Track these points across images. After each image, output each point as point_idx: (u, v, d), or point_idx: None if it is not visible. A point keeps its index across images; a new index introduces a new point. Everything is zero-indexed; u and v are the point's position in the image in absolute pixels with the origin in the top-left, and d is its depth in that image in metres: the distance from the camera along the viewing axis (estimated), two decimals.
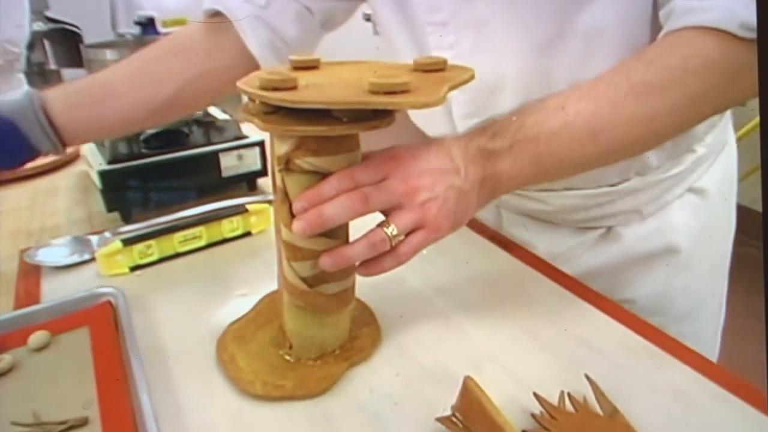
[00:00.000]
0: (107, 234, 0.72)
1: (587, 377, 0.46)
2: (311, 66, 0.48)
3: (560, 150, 0.46)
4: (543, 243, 0.70)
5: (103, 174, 0.75)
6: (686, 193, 0.66)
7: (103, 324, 0.55)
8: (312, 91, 0.40)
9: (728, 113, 0.67)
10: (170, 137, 0.85)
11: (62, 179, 0.97)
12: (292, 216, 0.42)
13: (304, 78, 0.43)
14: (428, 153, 0.45)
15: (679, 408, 0.45)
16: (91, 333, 0.54)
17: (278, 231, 0.46)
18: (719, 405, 0.45)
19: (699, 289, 0.68)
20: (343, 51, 0.58)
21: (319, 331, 0.49)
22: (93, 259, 0.68)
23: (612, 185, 0.63)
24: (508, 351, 0.51)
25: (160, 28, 2.59)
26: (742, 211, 0.74)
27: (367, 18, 3.26)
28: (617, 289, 0.66)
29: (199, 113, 0.90)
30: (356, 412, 0.46)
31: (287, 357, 0.50)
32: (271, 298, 0.58)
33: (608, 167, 0.54)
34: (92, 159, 0.80)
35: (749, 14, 0.42)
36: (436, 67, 0.45)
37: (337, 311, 0.48)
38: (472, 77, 0.45)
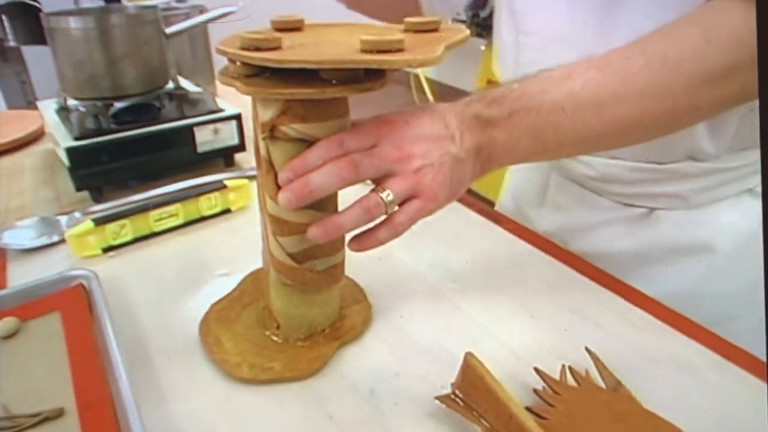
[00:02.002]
0: (77, 214, 0.68)
1: (588, 350, 0.45)
2: (295, 27, 0.44)
3: (561, 123, 0.43)
4: (583, 211, 0.68)
5: (70, 151, 0.70)
6: (743, 194, 0.61)
7: (76, 308, 0.52)
8: (298, 50, 0.37)
9: None
10: (141, 111, 0.81)
11: (27, 158, 0.92)
12: (278, 187, 0.40)
13: (288, 39, 0.39)
14: (422, 119, 0.42)
15: (682, 379, 0.44)
16: (63, 318, 0.51)
17: (263, 205, 0.43)
18: (721, 374, 0.44)
19: (735, 300, 0.61)
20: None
21: (308, 309, 0.47)
22: (62, 241, 0.64)
23: (659, 163, 0.59)
24: (506, 326, 0.50)
25: (126, 2, 2.49)
26: None
27: None
28: (643, 281, 0.59)
29: (170, 86, 0.85)
30: (349, 392, 0.44)
31: (274, 338, 0.48)
32: (255, 277, 0.56)
33: (656, 142, 0.48)
34: (58, 135, 0.75)
35: None
36: (430, 27, 0.42)
37: (326, 288, 0.46)
38: (467, 37, 0.42)
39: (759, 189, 0.59)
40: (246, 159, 0.87)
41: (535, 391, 0.41)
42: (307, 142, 0.40)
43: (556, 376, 0.43)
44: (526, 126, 0.43)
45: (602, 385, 0.42)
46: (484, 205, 0.71)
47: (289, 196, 0.38)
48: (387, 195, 0.39)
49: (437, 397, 0.40)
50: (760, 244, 0.62)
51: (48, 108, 0.86)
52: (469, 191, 0.50)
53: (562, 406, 0.40)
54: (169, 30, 0.82)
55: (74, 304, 0.52)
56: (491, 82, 2.11)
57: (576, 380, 0.42)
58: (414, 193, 0.41)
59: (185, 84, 0.92)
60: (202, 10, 1.12)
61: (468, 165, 0.44)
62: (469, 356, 0.39)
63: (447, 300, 0.54)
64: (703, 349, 0.46)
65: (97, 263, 0.61)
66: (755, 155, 0.57)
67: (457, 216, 0.69)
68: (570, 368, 0.43)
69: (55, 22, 0.74)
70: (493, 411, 0.37)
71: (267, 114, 0.39)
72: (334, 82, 0.37)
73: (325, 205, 0.42)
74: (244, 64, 0.38)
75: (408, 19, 0.42)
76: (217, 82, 1.18)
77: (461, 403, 0.40)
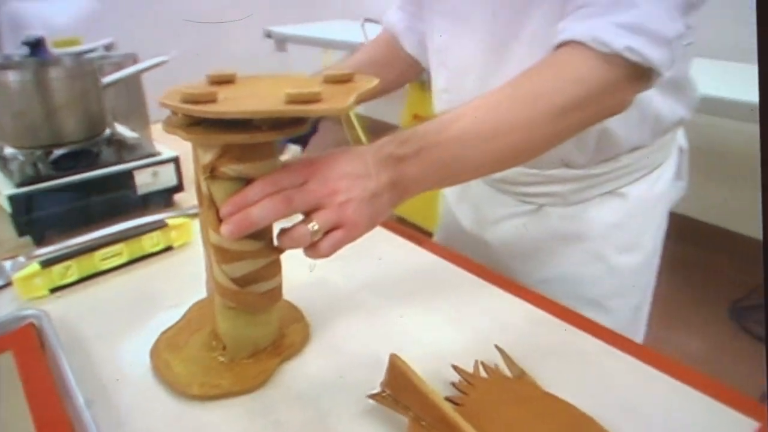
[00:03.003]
0: (21, 258, 0.70)
1: (497, 347, 0.52)
2: (227, 80, 0.50)
3: (459, 155, 0.52)
4: (492, 205, 0.82)
5: (12, 198, 0.73)
6: (608, 194, 0.74)
7: (28, 347, 0.55)
8: (232, 103, 0.43)
9: (676, 140, 0.78)
10: (80, 157, 0.84)
11: None
12: (220, 221, 0.45)
13: (222, 92, 0.46)
14: (344, 159, 0.49)
15: (575, 365, 0.52)
16: (16, 357, 0.54)
17: (206, 238, 0.49)
18: (606, 358, 0.53)
19: (613, 282, 0.76)
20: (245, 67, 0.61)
21: (251, 330, 0.52)
22: (8, 285, 0.66)
23: (541, 169, 0.73)
24: (427, 332, 0.57)
25: (52, 49, 2.49)
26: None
27: (268, 35, 3.27)
28: (539, 266, 0.76)
29: (107, 132, 0.89)
30: (294, 400, 0.49)
31: (221, 358, 0.53)
32: (200, 306, 0.60)
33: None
34: None
35: (604, 33, 0.50)
36: (344, 79, 0.49)
37: (267, 309, 0.51)
38: (376, 86, 0.49)
39: (621, 190, 0.74)
40: (185, 199, 0.91)
41: (453, 384, 0.48)
42: (243, 180, 0.46)
43: (471, 371, 0.50)
44: (431, 160, 0.50)
45: (509, 374, 0.49)
46: (409, 230, 0.79)
47: (231, 228, 0.44)
48: (313, 226, 0.46)
49: (370, 396, 0.47)
50: (622, 234, 0.75)
51: None
52: (403, 221, 0.57)
53: (475, 394, 0.47)
54: (106, 80, 0.86)
55: (26, 343, 0.55)
56: (417, 117, 2.24)
57: (487, 372, 0.49)
58: (338, 223, 0.48)
59: (121, 129, 0.96)
60: (135, 59, 1.15)
61: (385, 197, 0.51)
62: (393, 357, 0.46)
63: (376, 314, 0.60)
64: (592, 339, 0.55)
65: (45, 304, 0.63)
66: (615, 164, 0.72)
67: (381, 238, 0.76)
68: (482, 363, 0.50)
69: None
70: (417, 402, 0.44)
71: (207, 157, 0.45)
72: (264, 128, 0.44)
73: (262, 234, 0.48)
74: (185, 115, 0.44)
75: (326, 72, 0.49)
76: (152, 126, 1.22)
77: (390, 398, 0.46)
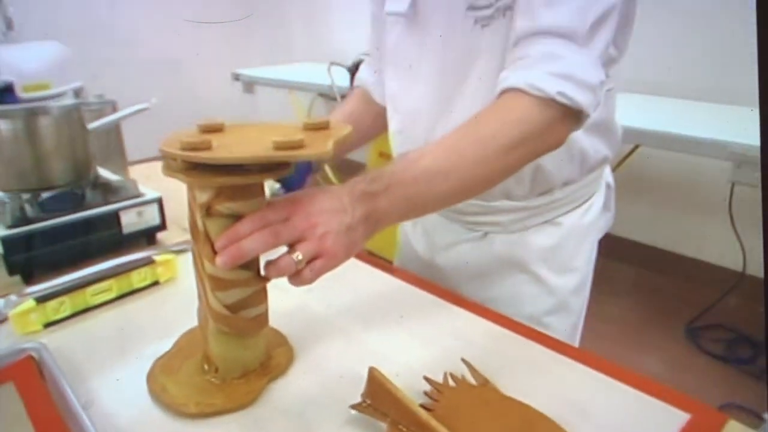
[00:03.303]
0: (13, 297, 0.74)
1: (463, 360, 0.58)
2: (217, 129, 0.57)
3: (423, 190, 0.60)
4: (442, 232, 0.90)
5: (5, 240, 0.77)
6: (545, 223, 0.83)
7: (29, 377, 0.59)
8: (226, 149, 0.50)
9: (604, 176, 0.88)
10: (66, 199, 0.89)
11: None
12: (215, 253, 0.51)
13: (215, 139, 0.52)
14: (323, 196, 0.56)
15: (531, 373, 0.59)
16: (18, 387, 0.58)
17: (200, 269, 0.54)
18: (558, 366, 0.60)
19: (551, 301, 0.85)
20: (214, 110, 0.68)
21: (241, 352, 0.57)
22: (2, 321, 0.70)
23: (484, 200, 0.81)
24: (400, 350, 0.63)
25: (21, 94, 2.53)
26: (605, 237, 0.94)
27: (236, 77, 3.36)
28: (486, 286, 0.84)
29: (92, 175, 0.94)
30: (281, 415, 0.54)
31: (214, 380, 0.58)
32: (189, 335, 0.65)
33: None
34: None
35: (540, 81, 0.59)
36: (322, 126, 0.56)
37: (255, 333, 0.57)
38: (350, 132, 0.56)
39: (556, 220, 0.83)
40: (167, 237, 0.96)
41: (425, 392, 0.54)
42: (234, 217, 0.52)
43: (441, 381, 0.56)
44: (399, 195, 0.58)
45: (474, 383, 0.56)
46: (380, 260, 0.85)
47: (226, 259, 0.50)
48: (297, 256, 0.52)
49: (351, 406, 0.52)
50: (557, 258, 0.86)
51: None
52: (371, 253, 0.64)
53: (445, 400, 0.53)
54: (91, 126, 0.92)
55: (26, 374, 0.59)
56: (382, 155, 2.33)
57: (454, 381, 0.56)
58: (319, 254, 0.54)
59: (102, 172, 1.00)
60: (114, 106, 1.21)
61: (360, 230, 0.57)
62: (372, 370, 0.52)
63: (353, 336, 0.66)
64: (543, 348, 0.62)
65: (39, 338, 0.67)
66: (550, 198, 0.81)
67: (359, 271, 0.82)
68: (450, 374, 0.56)
69: None
70: (394, 409, 0.50)
71: (203, 197, 0.51)
72: (254, 171, 0.50)
73: (250, 265, 0.54)
74: (183, 160, 0.50)
75: (306, 121, 0.56)
76: (129, 168, 1.27)
77: (370, 407, 0.51)
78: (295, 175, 0.76)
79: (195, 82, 4.13)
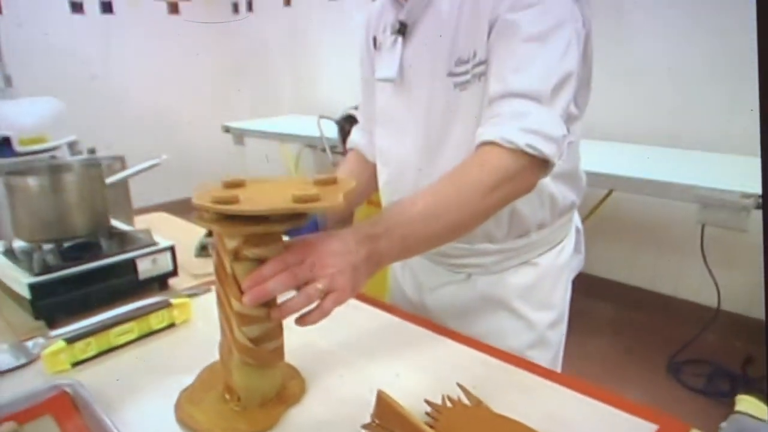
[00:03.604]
0: (40, 339, 0.80)
1: (458, 384, 0.66)
2: (239, 184, 0.65)
3: (417, 230, 0.69)
4: (429, 275, 0.99)
5: (32, 286, 0.83)
6: (523, 264, 0.92)
7: (65, 410, 0.65)
8: (251, 202, 0.58)
9: (570, 225, 0.97)
10: (84, 248, 0.96)
11: None
12: (241, 292, 0.59)
13: (241, 194, 0.60)
14: (332, 240, 0.64)
15: (519, 394, 0.66)
16: (57, 419, 0.64)
17: (226, 306, 0.62)
18: (543, 390, 0.67)
19: (531, 335, 0.93)
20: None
21: (262, 382, 0.64)
22: (30, 362, 0.76)
23: (468, 243, 0.90)
24: (401, 377, 0.70)
25: (17, 147, 2.65)
26: (580, 277, 1.02)
27: (226, 130, 3.47)
28: (470, 323, 0.91)
29: (108, 225, 1.01)
30: None
31: (236, 408, 0.64)
32: (210, 369, 0.72)
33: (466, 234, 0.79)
34: (11, 273, 0.88)
35: (511, 135, 0.69)
36: (331, 181, 0.65)
37: (275, 364, 0.64)
38: (355, 186, 0.65)
39: (533, 260, 0.92)
40: (177, 282, 1.03)
41: (426, 413, 0.61)
42: (257, 260, 0.60)
43: (440, 403, 0.63)
44: (398, 236, 0.66)
45: (469, 404, 0.63)
46: (377, 300, 0.93)
47: (252, 298, 0.57)
48: (316, 286, 0.59)
49: (363, 426, 0.59)
50: (535, 294, 0.97)
51: None
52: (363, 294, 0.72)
53: (444, 420, 0.60)
54: (108, 180, 1.00)
55: (64, 407, 0.66)
56: (371, 202, 2.43)
57: (452, 403, 0.63)
58: (330, 289, 0.62)
59: (116, 223, 1.08)
60: (123, 161, 1.29)
61: (363, 268, 0.65)
62: (380, 392, 0.59)
63: (358, 367, 0.73)
64: (530, 375, 0.70)
65: (68, 376, 0.73)
66: (527, 240, 0.90)
67: (357, 310, 0.90)
68: (447, 396, 0.64)
69: (14, 180, 0.89)
70: (401, 426, 0.57)
71: (232, 244, 0.59)
72: (276, 220, 0.58)
73: (270, 303, 0.61)
74: (215, 212, 0.58)
75: (316, 177, 0.65)
76: (135, 218, 1.34)
77: (380, 427, 0.58)
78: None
79: (186, 135, 4.25)
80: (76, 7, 3.66)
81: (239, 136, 3.44)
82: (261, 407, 0.64)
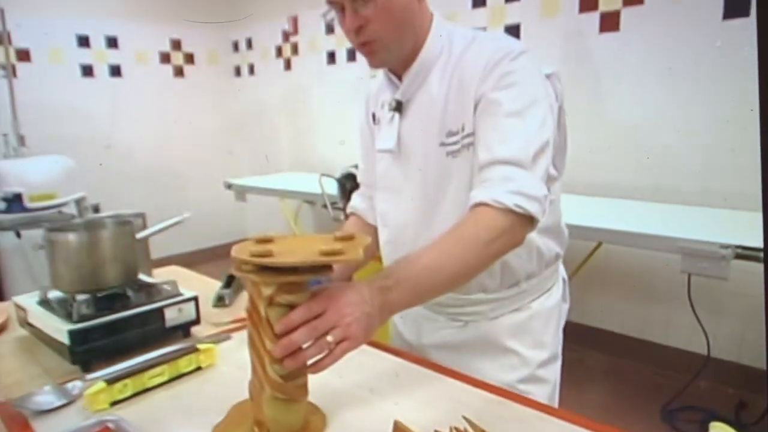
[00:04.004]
0: (78, 382, 0.87)
1: (463, 417, 0.74)
2: (269, 240, 0.75)
3: (424, 282, 0.79)
4: (428, 323, 1.08)
5: (72, 332, 0.91)
6: (514, 311, 1.02)
7: None
8: (284, 256, 0.67)
9: (557, 275, 1.08)
10: (115, 299, 1.04)
11: (1, 345, 1.08)
12: (275, 333, 0.67)
13: (273, 248, 0.70)
14: (350, 291, 0.73)
15: (520, 427, 0.74)
16: None
17: (257, 348, 0.70)
18: (541, 423, 0.75)
19: (525, 370, 1.02)
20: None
21: (289, 416, 0.72)
22: (71, 402, 0.83)
23: (465, 294, 0.99)
24: (411, 411, 0.78)
25: (27, 203, 2.80)
26: (574, 326, 1.11)
27: (228, 186, 3.59)
28: (467, 362, 0.99)
29: (134, 278, 1.10)
30: None
31: None
32: (239, 407, 0.79)
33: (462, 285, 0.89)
34: (49, 322, 0.96)
35: (500, 197, 0.80)
36: (350, 237, 0.75)
37: (302, 398, 0.72)
38: (369, 242, 0.75)
39: (526, 307, 1.02)
40: (199, 330, 1.11)
41: None
42: (289, 306, 0.69)
43: None
44: (407, 287, 0.76)
45: None
46: (384, 345, 1.02)
47: (282, 349, 0.67)
48: (329, 338, 0.69)
49: None
50: (528, 334, 1.09)
51: (28, 301, 1.06)
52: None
53: None
54: (139, 235, 1.09)
55: None
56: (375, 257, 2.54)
57: None
58: (345, 336, 0.71)
59: (142, 276, 1.16)
60: (143, 218, 1.39)
61: (376, 317, 0.75)
62: (397, 422, 0.67)
63: (371, 403, 0.81)
64: (528, 409, 0.78)
65: (107, 414, 0.80)
66: (518, 289, 1.01)
67: (366, 354, 0.98)
68: (455, 428, 0.71)
69: (55, 236, 0.98)
70: None
71: (267, 291, 0.68)
72: (305, 271, 0.68)
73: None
74: (252, 264, 0.67)
75: (337, 234, 0.75)
76: (154, 270, 1.43)
77: None
78: None
79: (190, 191, 4.37)
80: (87, 71, 3.84)
81: (241, 192, 3.56)
82: None
